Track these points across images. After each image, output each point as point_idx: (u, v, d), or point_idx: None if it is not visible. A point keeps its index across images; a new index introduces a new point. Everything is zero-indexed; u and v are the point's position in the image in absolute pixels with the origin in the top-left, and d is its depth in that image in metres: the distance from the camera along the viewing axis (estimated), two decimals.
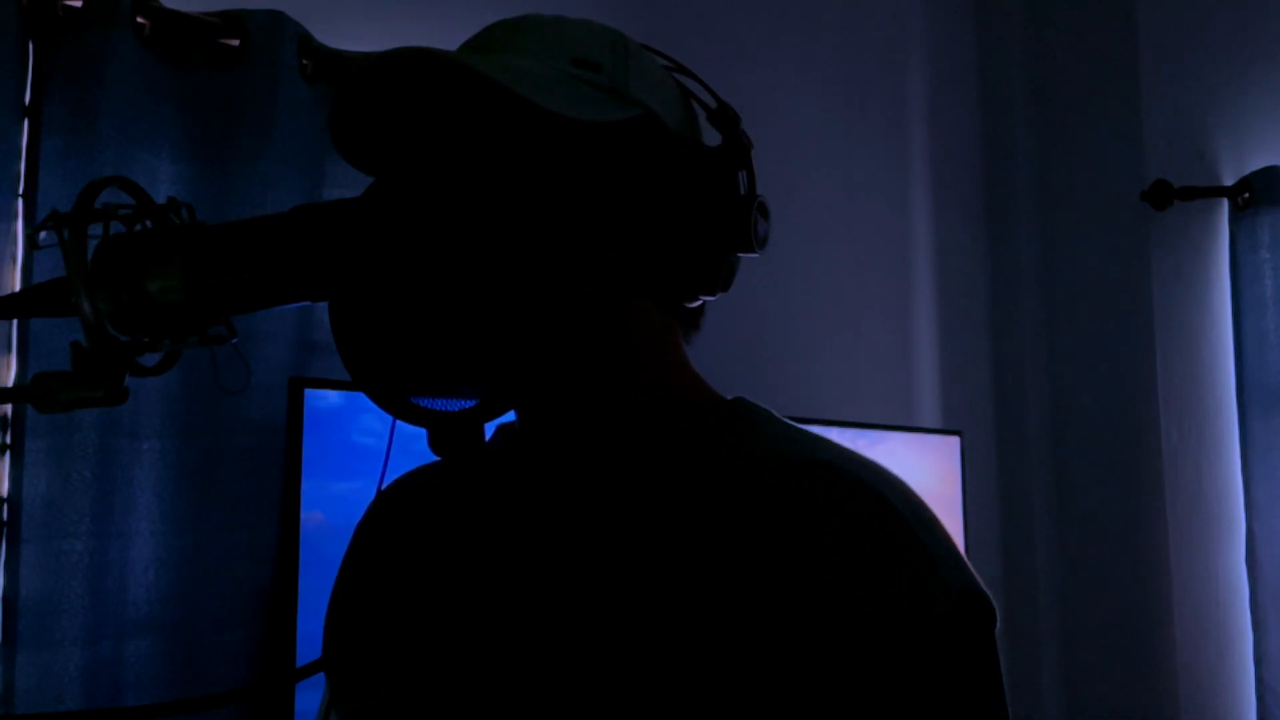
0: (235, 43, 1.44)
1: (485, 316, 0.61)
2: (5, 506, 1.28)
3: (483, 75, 0.62)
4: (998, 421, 2.69)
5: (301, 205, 0.66)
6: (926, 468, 2.27)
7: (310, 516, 1.41)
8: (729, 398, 0.75)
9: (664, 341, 0.74)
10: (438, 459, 0.65)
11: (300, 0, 1.50)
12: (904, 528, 0.63)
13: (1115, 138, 2.61)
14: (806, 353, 2.25)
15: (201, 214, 0.69)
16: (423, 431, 0.64)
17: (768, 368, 2.12)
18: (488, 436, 0.70)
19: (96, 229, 0.65)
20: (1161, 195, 2.54)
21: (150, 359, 0.68)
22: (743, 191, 0.72)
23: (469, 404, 0.63)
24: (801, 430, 0.72)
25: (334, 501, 1.42)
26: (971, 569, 0.65)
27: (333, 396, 1.44)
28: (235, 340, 0.69)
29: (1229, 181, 2.59)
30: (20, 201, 1.30)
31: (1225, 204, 2.59)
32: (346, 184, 1.53)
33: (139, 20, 1.37)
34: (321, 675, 0.79)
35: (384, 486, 0.81)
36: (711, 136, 0.74)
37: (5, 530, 1.27)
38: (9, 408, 1.29)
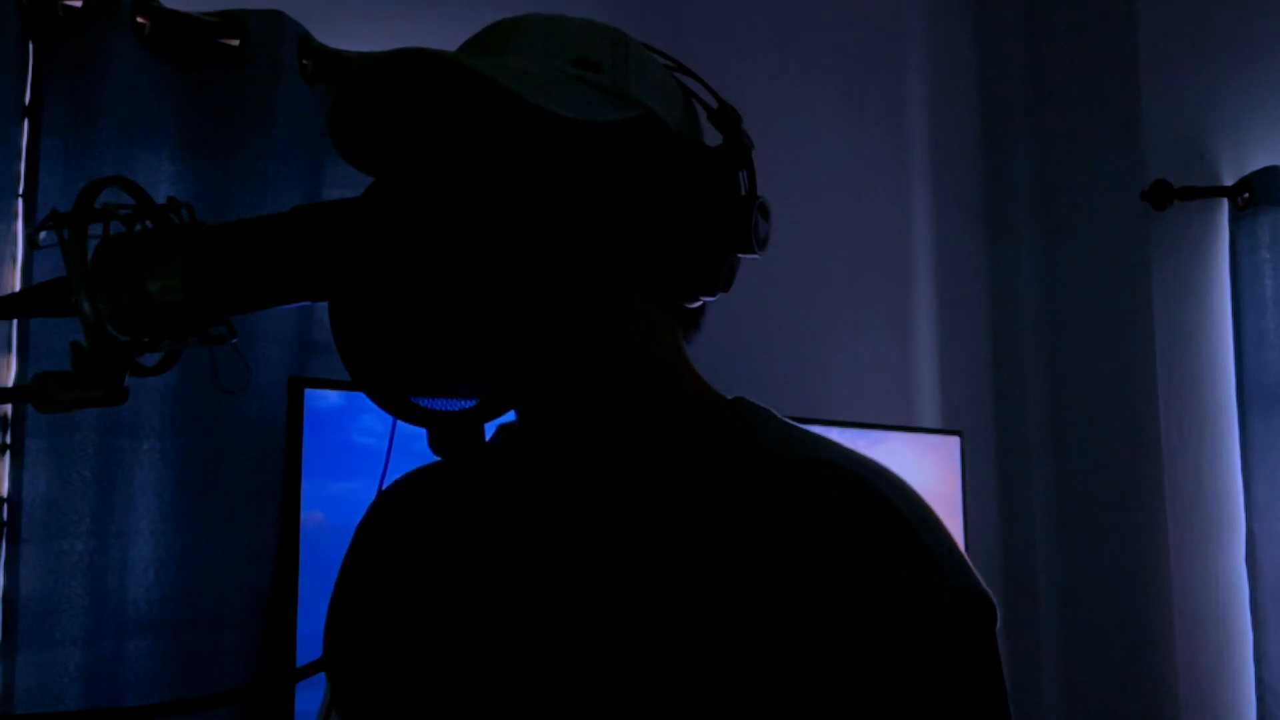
0: (235, 43, 1.44)
1: (485, 316, 0.61)
2: (5, 506, 1.28)
3: (483, 76, 0.62)
4: (998, 421, 2.69)
5: (301, 205, 0.66)
6: (926, 468, 2.27)
7: (310, 516, 1.41)
8: (729, 397, 0.75)
9: (664, 341, 0.74)
10: (438, 459, 0.65)
11: (300, 0, 1.50)
12: (905, 527, 0.63)
13: (1115, 138, 2.61)
14: (807, 353, 2.25)
15: (201, 214, 0.69)
16: (423, 431, 0.64)
17: (768, 367, 2.12)
18: (488, 436, 0.70)
19: (96, 229, 0.65)
20: (1161, 195, 2.54)
21: (150, 359, 0.68)
22: (743, 192, 0.72)
23: (469, 404, 0.63)
24: (802, 430, 0.72)
25: (334, 501, 1.42)
26: (973, 569, 0.65)
27: (333, 396, 1.44)
28: (235, 340, 0.69)
29: (1229, 181, 2.59)
30: (20, 201, 1.30)
31: (1225, 204, 2.59)
32: (346, 184, 1.53)
33: (139, 20, 1.37)
34: (321, 675, 0.79)
35: (384, 486, 0.81)
36: (713, 136, 0.74)
37: (5, 530, 1.27)
38: (9, 408, 1.29)
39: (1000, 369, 2.71)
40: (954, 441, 2.35)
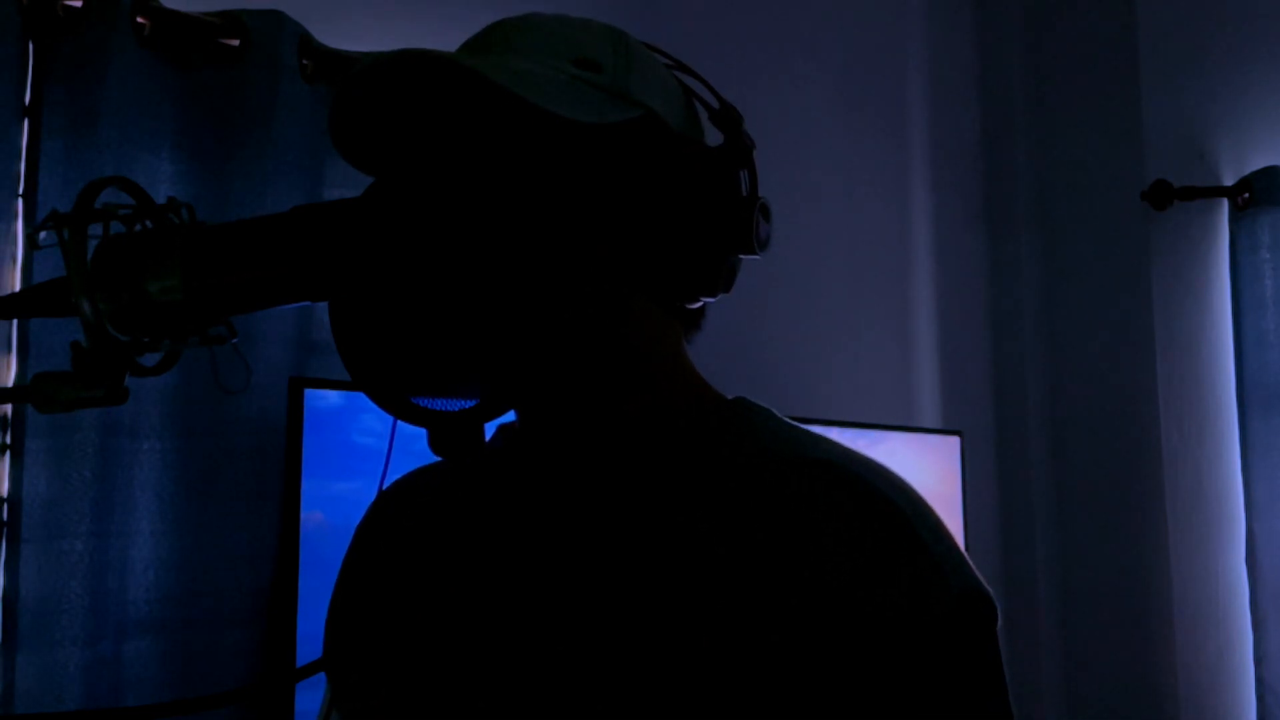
0: (235, 43, 1.44)
1: (485, 316, 0.61)
2: (5, 506, 1.27)
3: (483, 77, 0.62)
4: (998, 421, 2.69)
5: (301, 205, 0.66)
6: (926, 468, 2.27)
7: (310, 516, 1.40)
8: (730, 397, 0.75)
9: (665, 341, 0.74)
10: (438, 459, 0.65)
11: (300, 0, 1.50)
12: (906, 527, 0.63)
13: (1115, 138, 2.61)
14: (807, 353, 2.25)
15: (201, 214, 0.69)
16: (423, 431, 0.64)
17: (768, 367, 2.12)
18: (488, 436, 0.70)
19: (96, 229, 0.65)
20: (1161, 195, 2.54)
21: (150, 359, 0.68)
22: (744, 192, 0.72)
23: (469, 404, 0.63)
24: (803, 430, 0.72)
25: (334, 501, 1.42)
26: (973, 568, 0.65)
27: (333, 396, 1.44)
28: (235, 340, 0.69)
29: (1229, 181, 2.59)
30: (20, 201, 1.30)
31: (1225, 204, 2.59)
32: (346, 184, 1.53)
33: (139, 20, 1.37)
34: (322, 675, 0.79)
35: (384, 487, 0.81)
36: (714, 136, 0.74)
37: (5, 530, 1.27)
38: (9, 408, 1.29)
39: (1000, 369, 2.71)
40: (954, 441, 2.35)
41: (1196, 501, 2.53)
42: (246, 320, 1.21)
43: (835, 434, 0.88)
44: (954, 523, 2.27)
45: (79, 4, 1.32)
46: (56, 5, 1.31)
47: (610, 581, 0.66)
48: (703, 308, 0.76)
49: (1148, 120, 2.57)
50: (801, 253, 2.18)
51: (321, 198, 1.52)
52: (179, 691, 1.36)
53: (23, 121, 1.31)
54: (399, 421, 0.66)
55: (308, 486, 1.40)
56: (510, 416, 0.77)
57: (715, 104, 0.74)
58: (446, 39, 0.79)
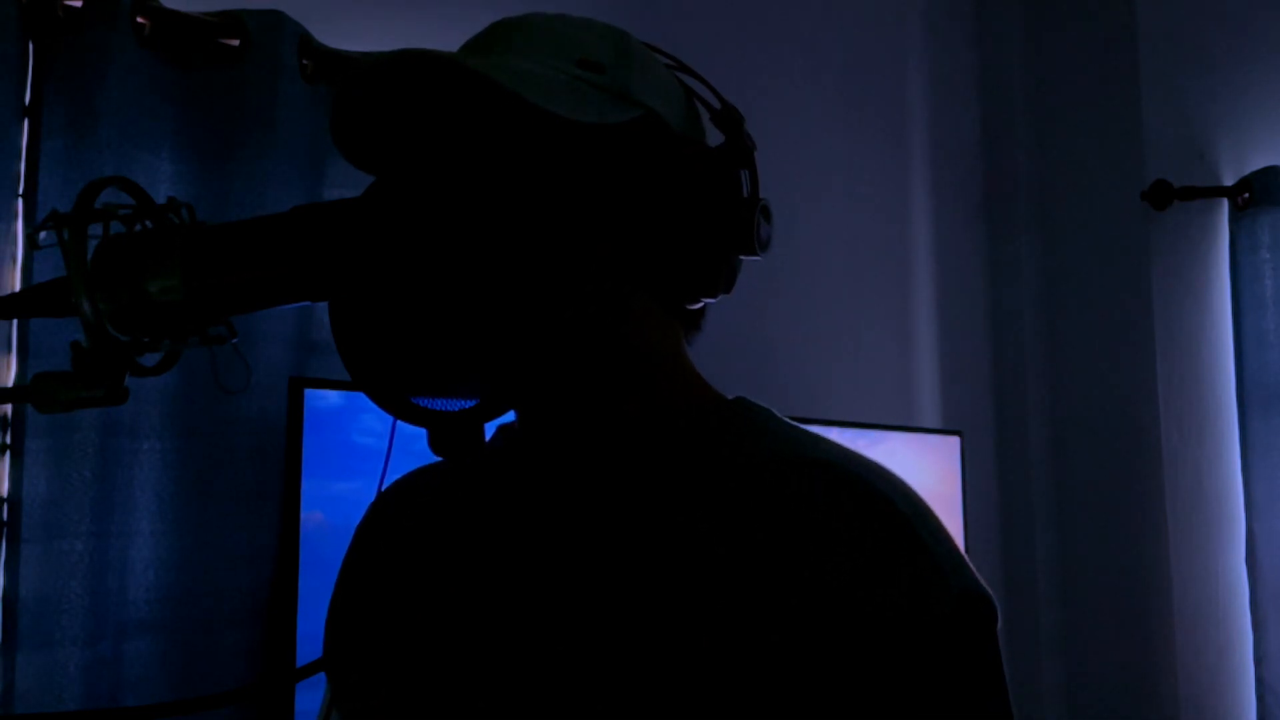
0: (235, 43, 1.44)
1: (485, 316, 0.61)
2: (5, 506, 1.27)
3: (484, 77, 0.62)
4: (998, 421, 2.69)
5: (301, 205, 0.66)
6: (926, 468, 2.27)
7: (310, 516, 1.41)
8: (730, 397, 0.75)
9: (665, 341, 0.74)
10: (438, 459, 0.65)
11: (300, 0, 1.50)
12: (905, 527, 0.63)
13: (1115, 138, 2.61)
14: (807, 353, 2.25)
15: (201, 214, 0.69)
16: (423, 431, 0.64)
17: (768, 368, 2.12)
18: (488, 437, 0.70)
19: (96, 229, 0.65)
20: (1161, 195, 2.54)
21: (150, 359, 0.68)
22: (745, 193, 0.72)
23: (469, 404, 0.63)
24: (802, 430, 0.72)
25: (334, 501, 1.42)
26: (973, 569, 0.65)
27: (333, 396, 1.44)
28: (235, 340, 0.69)
29: (1229, 181, 2.59)
30: (20, 201, 1.30)
31: (1225, 204, 2.59)
32: (346, 184, 1.53)
33: (139, 20, 1.37)
34: (322, 675, 0.79)
35: (384, 487, 0.81)
36: (716, 137, 0.74)
37: (5, 530, 1.27)
38: (9, 408, 1.29)
39: (1000, 369, 2.71)
40: (954, 441, 2.35)
41: (1196, 501, 2.53)
42: (246, 320, 1.21)
43: (835, 434, 0.88)
44: (954, 523, 2.27)
45: (79, 4, 1.32)
46: (56, 5, 1.31)
47: (610, 582, 0.66)
48: (703, 308, 0.76)
49: (1148, 120, 2.57)
50: (802, 253, 2.18)
51: (321, 198, 1.52)
52: (179, 691, 1.36)
53: (23, 121, 1.31)
54: (399, 421, 0.66)
55: (308, 486, 1.40)
56: (510, 417, 0.77)
57: (717, 105, 0.74)
58: (446, 39, 0.79)
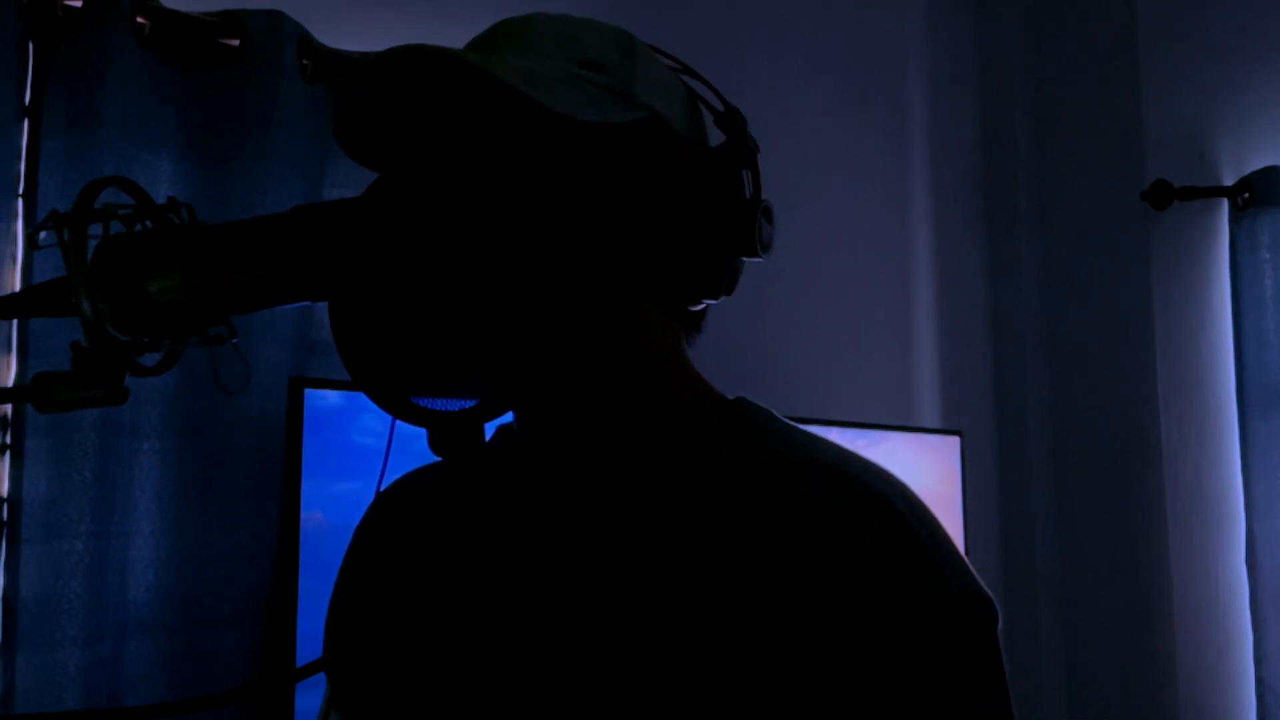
0: (235, 43, 1.44)
1: (485, 316, 0.61)
2: (5, 506, 1.28)
3: (488, 74, 0.62)
4: (998, 421, 2.69)
5: (301, 205, 0.65)
6: (926, 468, 2.27)
7: (310, 516, 1.41)
8: (730, 398, 0.75)
9: (665, 342, 0.74)
10: (438, 459, 0.65)
11: (300, 0, 1.50)
12: (905, 529, 0.63)
13: (1115, 138, 2.61)
14: (807, 353, 2.25)
15: (201, 214, 0.69)
16: (423, 431, 0.64)
17: (768, 368, 2.12)
18: (488, 437, 0.70)
19: (96, 229, 0.65)
20: (1161, 195, 2.54)
21: (150, 359, 0.68)
22: (748, 195, 0.72)
23: (469, 404, 0.63)
24: (802, 431, 0.72)
25: (334, 501, 1.42)
26: (973, 570, 0.65)
27: (333, 396, 1.44)
28: (235, 340, 0.69)
29: (1229, 181, 2.59)
30: (20, 201, 1.30)
31: (1225, 204, 2.58)
32: (346, 184, 1.53)
33: (139, 20, 1.37)
34: (321, 675, 0.79)
35: (383, 487, 0.81)
36: (719, 139, 0.74)
37: (5, 530, 1.27)
38: (9, 408, 1.29)
39: (1000, 369, 2.71)
40: (954, 441, 2.35)
41: (1196, 501, 2.53)
42: (246, 320, 1.21)
43: (835, 434, 0.88)
44: (954, 523, 2.27)
45: (79, 4, 1.32)
46: (56, 5, 1.31)
47: (610, 582, 0.66)
48: (704, 310, 0.76)
49: (1148, 120, 2.57)
50: (802, 253, 2.18)
51: (321, 198, 1.52)
52: (179, 692, 1.36)
53: (23, 121, 1.31)
54: (399, 421, 0.66)
55: (308, 486, 1.40)
56: (510, 417, 0.77)
57: (720, 107, 0.74)
58: (446, 39, 0.79)
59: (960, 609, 0.62)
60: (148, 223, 0.66)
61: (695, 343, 0.77)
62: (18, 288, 1.26)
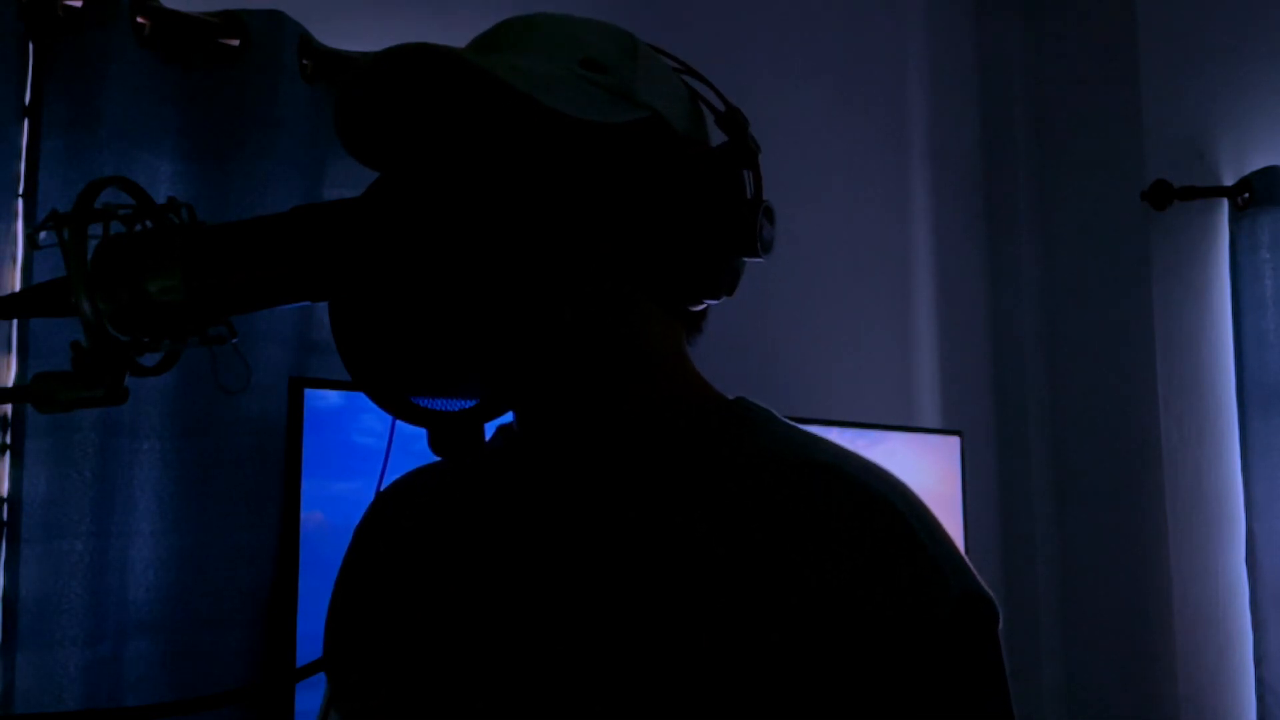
0: (235, 43, 1.44)
1: (485, 316, 0.61)
2: (5, 506, 1.27)
3: (489, 73, 0.62)
4: (998, 421, 2.69)
5: (301, 205, 0.65)
6: (926, 468, 2.27)
7: (310, 516, 1.40)
8: (730, 398, 0.75)
9: (666, 342, 0.74)
10: (437, 459, 0.65)
11: (300, 0, 1.50)
12: (905, 529, 0.63)
13: (1115, 138, 2.61)
14: (807, 353, 2.25)
15: (201, 214, 0.69)
16: (423, 431, 0.64)
17: (769, 367, 2.12)
18: (488, 436, 0.70)
19: (96, 229, 0.65)
20: (1161, 195, 2.54)
21: (150, 359, 0.68)
22: (749, 195, 0.72)
23: (469, 404, 0.63)
24: (802, 431, 0.72)
25: (334, 501, 1.42)
26: (973, 570, 0.65)
27: (333, 396, 1.44)
28: (235, 340, 0.69)
29: (1229, 181, 2.59)
30: (20, 201, 1.30)
31: (1225, 204, 2.59)
32: (346, 184, 1.53)
33: (139, 20, 1.37)
34: (321, 675, 0.79)
35: (383, 487, 0.81)
36: (720, 139, 0.74)
37: (5, 530, 1.27)
38: (9, 408, 1.29)
39: (1000, 369, 2.71)
40: (954, 441, 2.35)
41: (1196, 501, 2.53)
42: (246, 320, 1.21)
43: (835, 434, 0.88)
44: (954, 523, 2.27)
45: (79, 4, 1.32)
46: (56, 5, 1.31)
47: (610, 582, 0.66)
48: (705, 310, 0.75)
49: (1148, 120, 2.57)
50: (802, 253, 2.18)
51: (321, 198, 1.52)
52: (179, 691, 1.36)
53: (23, 121, 1.31)
54: (399, 421, 0.66)
55: (308, 486, 1.40)
56: (510, 417, 0.77)
57: (721, 107, 0.74)
58: (446, 39, 0.79)
59: (960, 609, 0.62)
60: (148, 223, 0.66)
61: (696, 343, 0.77)
62: (18, 288, 1.26)
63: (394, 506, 0.82)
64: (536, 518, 0.72)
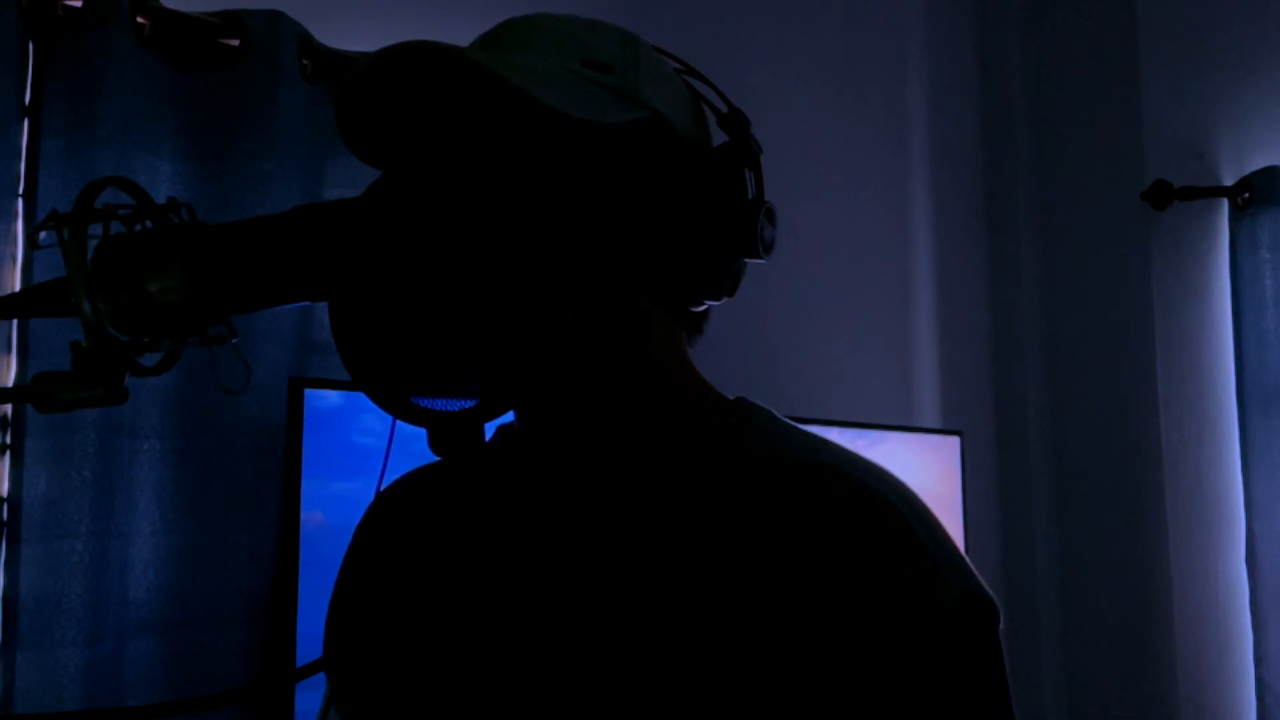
0: (235, 43, 1.44)
1: (485, 315, 0.61)
2: (5, 506, 1.28)
3: (490, 72, 0.62)
4: (998, 421, 2.69)
5: (301, 205, 0.65)
6: (926, 468, 2.27)
7: (310, 516, 1.41)
8: (731, 398, 0.75)
9: (667, 343, 0.74)
10: (438, 459, 0.65)
11: (300, 0, 1.50)
12: (905, 529, 0.63)
13: (1115, 138, 2.61)
14: (807, 353, 2.25)
15: (201, 214, 0.69)
16: (423, 431, 0.64)
17: (768, 368, 2.12)
18: (488, 436, 0.70)
19: (96, 229, 0.65)
20: (1161, 195, 2.54)
21: (150, 359, 0.68)
22: (750, 196, 0.71)
23: (469, 404, 0.63)
24: (803, 431, 0.72)
25: (334, 501, 1.42)
26: (974, 570, 0.65)
27: (333, 396, 1.44)
28: (235, 340, 0.69)
29: (1229, 181, 2.59)
30: (20, 201, 1.30)
31: (1225, 204, 2.58)
32: (346, 184, 1.53)
33: (139, 20, 1.37)
34: (321, 675, 0.79)
35: (383, 487, 0.81)
36: (722, 140, 0.74)
37: (5, 530, 1.27)
38: (9, 408, 1.29)
39: (1000, 369, 2.71)
40: (954, 441, 2.35)
41: (1196, 501, 2.53)
42: (246, 320, 1.21)
43: (835, 434, 0.89)
44: (954, 523, 2.27)
45: (79, 4, 1.32)
46: (56, 5, 1.31)
47: (610, 582, 0.66)
48: (706, 311, 0.75)
49: (1148, 120, 2.57)
50: (802, 253, 2.18)
51: (321, 198, 1.52)
52: (179, 691, 1.36)
53: (23, 121, 1.31)
54: (399, 421, 0.66)
55: (308, 486, 1.40)
56: (510, 417, 0.77)
57: (723, 108, 0.74)
58: (446, 39, 0.79)
59: (961, 609, 0.62)
60: (148, 223, 0.66)
61: (696, 343, 0.77)
62: (18, 288, 1.26)
63: (394, 506, 0.82)
64: (537, 518, 0.72)
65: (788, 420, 0.73)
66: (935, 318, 2.59)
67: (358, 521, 0.84)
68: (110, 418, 1.31)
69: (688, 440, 0.71)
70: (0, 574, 1.27)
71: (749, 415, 0.73)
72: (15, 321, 1.27)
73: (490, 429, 0.69)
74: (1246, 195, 2.54)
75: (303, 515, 1.40)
